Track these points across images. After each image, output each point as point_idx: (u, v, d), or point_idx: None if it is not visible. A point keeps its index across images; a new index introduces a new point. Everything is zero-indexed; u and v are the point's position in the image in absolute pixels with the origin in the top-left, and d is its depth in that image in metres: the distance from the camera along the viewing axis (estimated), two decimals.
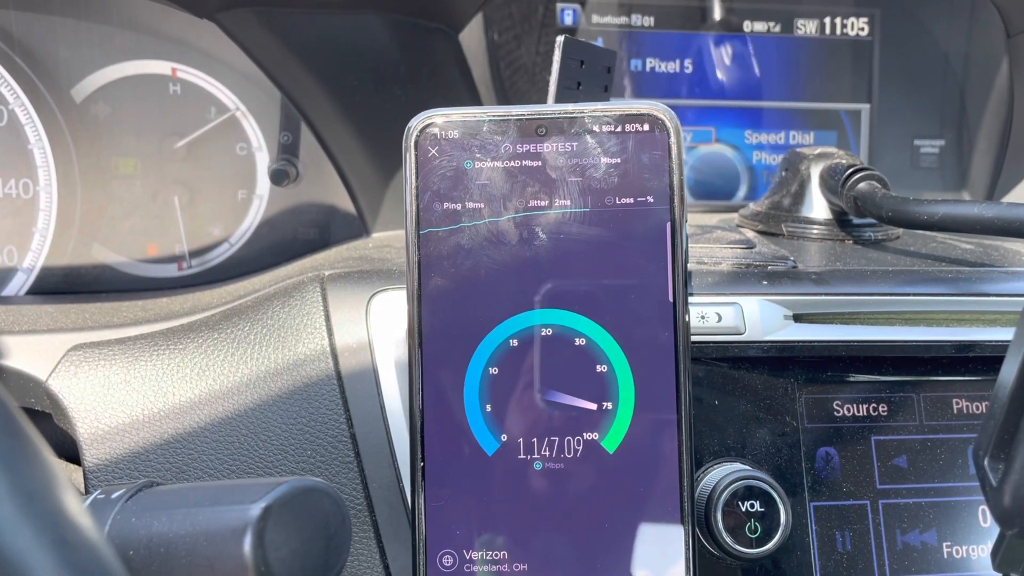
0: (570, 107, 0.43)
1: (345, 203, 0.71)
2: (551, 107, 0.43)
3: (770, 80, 0.84)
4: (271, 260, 0.71)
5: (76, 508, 0.18)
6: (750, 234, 0.64)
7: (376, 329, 0.48)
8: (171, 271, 0.72)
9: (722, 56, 0.84)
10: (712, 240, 0.59)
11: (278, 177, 0.68)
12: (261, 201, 0.72)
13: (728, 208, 0.81)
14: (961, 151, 0.87)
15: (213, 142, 0.71)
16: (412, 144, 0.42)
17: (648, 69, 0.82)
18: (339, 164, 0.67)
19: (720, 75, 0.84)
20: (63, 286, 0.69)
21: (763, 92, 0.84)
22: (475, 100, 0.73)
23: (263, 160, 0.72)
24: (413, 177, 0.42)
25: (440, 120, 0.43)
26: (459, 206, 0.43)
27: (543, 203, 0.42)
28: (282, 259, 0.71)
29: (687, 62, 0.83)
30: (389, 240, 0.66)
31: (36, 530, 0.16)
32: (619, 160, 0.42)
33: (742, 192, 0.83)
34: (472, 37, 0.74)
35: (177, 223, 0.71)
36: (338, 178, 0.70)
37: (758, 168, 0.84)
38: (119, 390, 0.48)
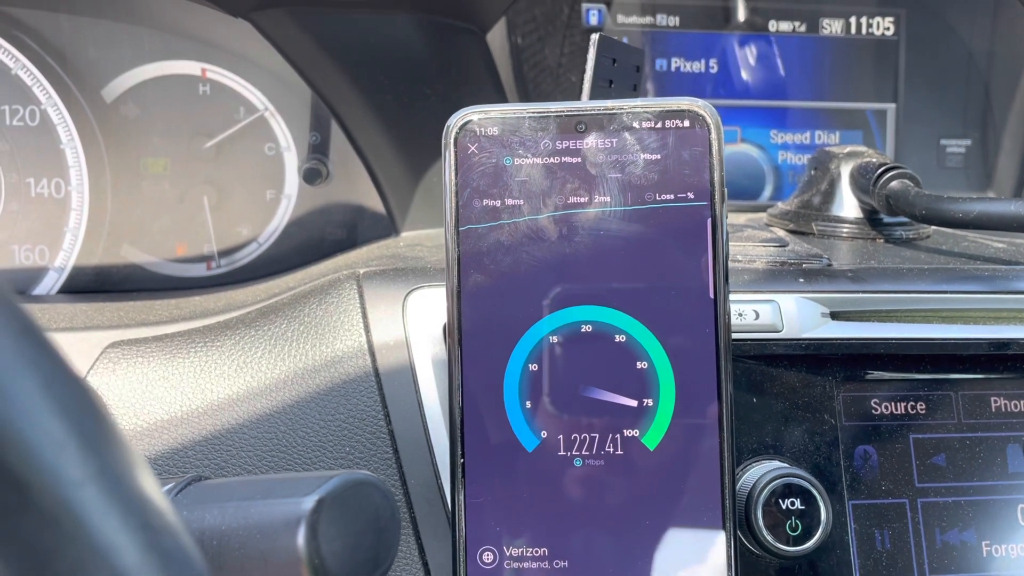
0: (610, 103, 0.43)
1: (373, 203, 0.71)
2: (591, 103, 0.43)
3: (795, 80, 0.84)
4: (300, 260, 0.72)
5: (157, 492, 0.18)
6: (781, 233, 0.63)
7: (413, 326, 0.48)
8: (200, 271, 0.72)
9: (747, 56, 0.84)
10: (744, 239, 0.59)
11: (311, 176, 0.68)
12: (290, 201, 0.72)
13: (754, 208, 0.81)
14: (987, 151, 0.86)
15: (242, 142, 0.72)
16: (452, 141, 0.43)
17: (673, 69, 0.82)
18: (369, 163, 0.67)
19: (745, 75, 0.84)
20: (94, 285, 0.70)
21: (788, 92, 0.84)
22: (501, 101, 0.73)
23: (292, 160, 0.72)
24: (453, 174, 0.42)
25: (479, 117, 0.43)
26: (499, 203, 0.43)
27: (583, 200, 0.42)
28: (311, 259, 0.71)
29: (712, 62, 0.83)
30: (419, 239, 0.67)
31: (124, 513, 0.17)
32: (659, 156, 0.42)
33: (768, 192, 0.83)
34: (497, 38, 0.74)
35: (206, 223, 0.72)
36: (367, 177, 0.70)
37: (783, 168, 0.84)
38: (158, 387, 0.48)
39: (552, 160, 0.43)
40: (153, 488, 0.18)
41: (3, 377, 0.16)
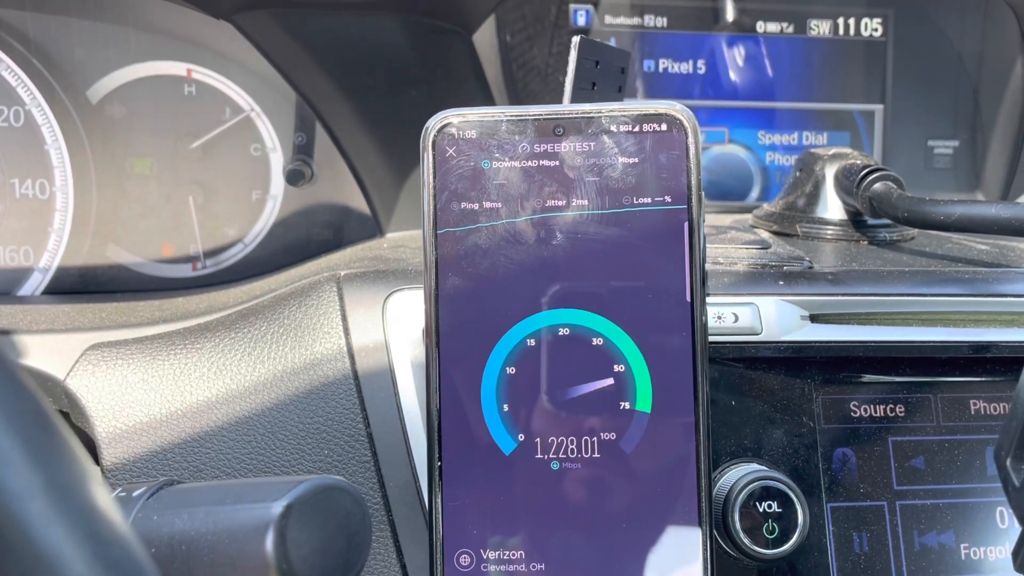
0: (587, 107, 0.43)
1: (359, 204, 0.71)
2: (568, 107, 0.43)
3: (783, 81, 0.84)
4: (285, 260, 0.72)
5: (107, 503, 0.18)
6: (764, 235, 0.64)
7: (393, 329, 0.48)
8: (186, 271, 0.72)
9: (735, 57, 0.84)
10: (727, 240, 0.59)
11: (294, 177, 0.68)
12: (275, 202, 0.72)
13: (741, 209, 0.81)
14: (975, 152, 0.86)
15: (228, 143, 0.71)
16: (430, 144, 0.43)
17: (661, 70, 0.82)
18: (353, 164, 0.67)
19: (733, 76, 0.84)
20: (79, 286, 0.70)
21: (776, 93, 0.84)
22: (488, 101, 0.73)
23: (277, 161, 0.72)
24: (431, 177, 0.42)
25: (458, 120, 0.43)
26: (476, 206, 0.43)
27: (561, 203, 0.42)
28: (296, 259, 0.71)
29: (700, 63, 0.83)
30: (403, 240, 0.67)
31: (70, 525, 0.16)
32: (637, 160, 0.42)
33: (755, 193, 0.83)
34: (484, 39, 0.74)
35: (192, 223, 0.72)
36: (352, 179, 0.70)
37: (771, 169, 0.84)
38: (137, 389, 0.48)
39: (530, 163, 0.43)
40: (102, 498, 0.18)
41: None
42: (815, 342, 0.48)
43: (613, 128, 0.42)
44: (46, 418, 0.18)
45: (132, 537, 0.18)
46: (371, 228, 0.72)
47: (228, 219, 0.72)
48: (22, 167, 0.68)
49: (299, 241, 0.73)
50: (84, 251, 0.70)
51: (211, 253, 0.72)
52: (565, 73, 0.69)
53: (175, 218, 0.71)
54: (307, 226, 0.73)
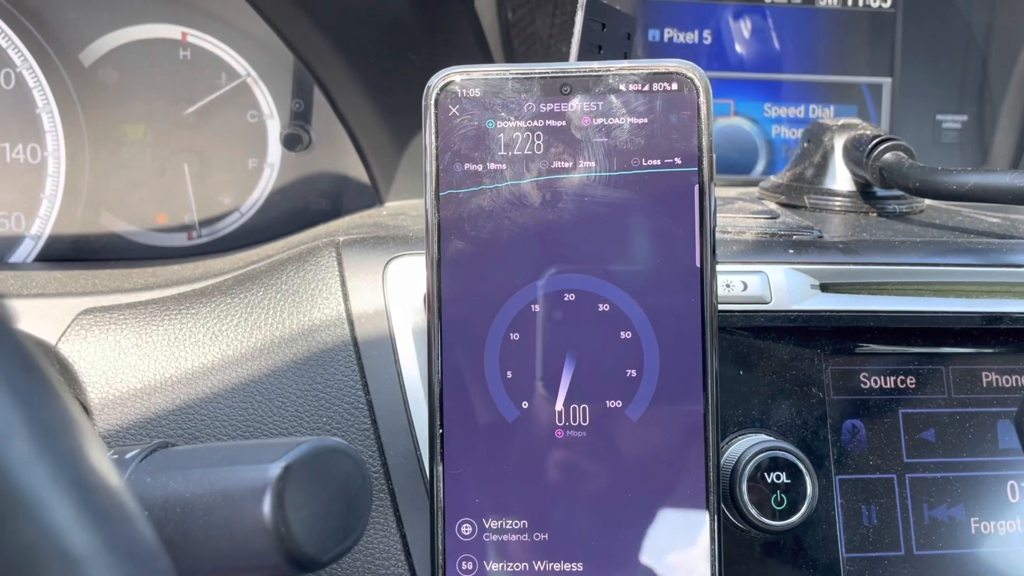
0: (596, 65, 0.41)
1: (357, 172, 0.70)
2: (576, 64, 0.41)
3: (790, 53, 0.83)
4: (282, 230, 0.70)
5: (97, 451, 0.17)
6: (772, 206, 0.62)
7: (393, 295, 0.47)
8: (180, 240, 0.71)
9: (741, 28, 0.82)
10: (734, 210, 0.57)
11: (291, 142, 0.67)
12: (272, 170, 0.71)
13: (747, 182, 0.80)
14: (983, 127, 0.85)
15: (223, 109, 0.70)
16: (432, 102, 0.41)
17: (666, 39, 0.81)
18: (353, 131, 0.66)
19: (739, 47, 0.82)
20: (71, 254, 0.68)
21: (783, 65, 0.83)
22: None
23: (274, 128, 0.70)
24: (433, 137, 0.41)
25: (461, 78, 0.41)
26: (480, 167, 0.41)
27: (567, 165, 0.41)
28: (294, 229, 0.69)
29: (706, 33, 0.81)
30: (403, 209, 0.65)
31: (54, 468, 0.15)
32: (646, 120, 0.41)
33: (761, 166, 0.82)
34: (486, 8, 0.72)
35: (187, 191, 0.70)
36: (351, 147, 0.68)
37: (777, 142, 0.82)
38: (130, 355, 0.47)
39: (536, 123, 0.41)
40: (92, 445, 0.17)
41: None
42: (825, 311, 0.47)
43: (622, 87, 0.41)
44: (30, 357, 0.17)
45: (123, 486, 0.17)
46: (369, 197, 0.70)
47: (224, 187, 0.71)
48: (13, 131, 0.66)
49: (296, 210, 0.71)
50: (77, 218, 0.68)
51: (206, 222, 0.71)
52: (568, 44, 0.68)
53: (169, 186, 0.70)
54: (305, 195, 0.71)
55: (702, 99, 0.40)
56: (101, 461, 0.17)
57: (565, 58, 0.56)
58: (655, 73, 0.41)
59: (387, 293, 0.47)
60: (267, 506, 0.29)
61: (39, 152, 0.67)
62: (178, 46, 0.69)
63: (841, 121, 0.65)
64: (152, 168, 0.70)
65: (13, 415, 0.15)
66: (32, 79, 0.66)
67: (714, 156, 0.41)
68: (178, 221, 0.70)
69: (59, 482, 0.15)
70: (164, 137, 0.69)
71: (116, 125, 0.69)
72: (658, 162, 0.41)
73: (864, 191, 0.62)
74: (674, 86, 0.41)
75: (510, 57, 0.75)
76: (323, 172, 0.71)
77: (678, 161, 0.41)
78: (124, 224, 0.70)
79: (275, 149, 0.71)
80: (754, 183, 0.75)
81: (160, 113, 0.69)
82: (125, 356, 0.47)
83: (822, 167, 0.64)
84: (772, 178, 0.68)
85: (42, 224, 0.67)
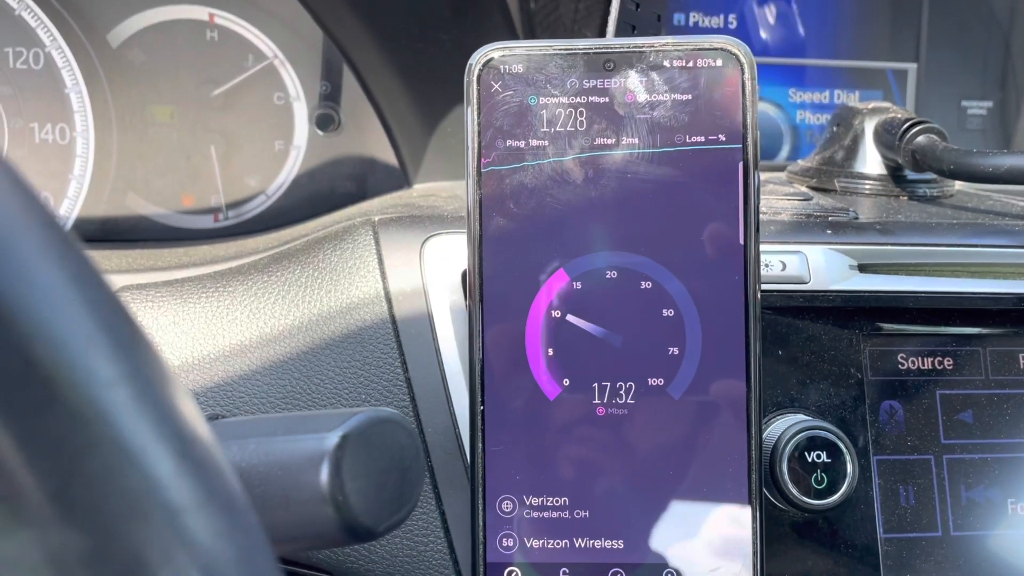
0: (640, 40, 0.41)
1: (384, 155, 0.70)
2: (620, 40, 0.41)
3: (815, 38, 0.82)
4: (309, 212, 0.70)
5: (191, 405, 0.17)
6: (803, 189, 0.62)
7: (430, 273, 0.47)
8: (207, 222, 0.71)
9: (766, 13, 0.82)
10: (767, 192, 0.57)
11: (323, 122, 0.67)
12: (299, 152, 0.71)
13: (772, 167, 0.79)
14: (1007, 113, 0.85)
15: (251, 91, 0.70)
16: (475, 78, 0.41)
17: (692, 23, 0.80)
18: (383, 112, 0.65)
19: (764, 33, 0.82)
20: (99, 235, 0.68)
21: (807, 50, 0.82)
22: None
23: (301, 110, 0.70)
24: (475, 113, 0.41)
25: (503, 54, 0.41)
26: (522, 143, 0.41)
27: (610, 141, 0.41)
28: (320, 211, 0.69)
29: (731, 18, 0.81)
30: (433, 190, 0.65)
31: (158, 419, 0.15)
32: (690, 97, 0.41)
33: (785, 152, 0.82)
34: None
35: (214, 173, 0.70)
36: (378, 129, 0.68)
37: (802, 127, 0.82)
38: (168, 332, 0.47)
39: (579, 99, 0.41)
40: (183, 396, 0.17)
41: (33, 270, 0.15)
42: (863, 292, 0.47)
43: (666, 63, 0.41)
44: (125, 311, 0.17)
45: (214, 439, 0.17)
46: (396, 180, 0.70)
47: (250, 169, 0.71)
48: (42, 111, 0.66)
49: (323, 192, 0.71)
50: (104, 199, 0.68)
51: (233, 204, 0.71)
52: (592, 31, 0.68)
53: (196, 168, 0.70)
54: (331, 177, 0.71)
55: (747, 75, 0.40)
56: (196, 415, 0.17)
57: None
58: (699, 49, 0.41)
59: (424, 271, 0.47)
60: (325, 475, 0.29)
61: (68, 132, 0.67)
62: (205, 27, 0.69)
63: (871, 104, 0.65)
64: (179, 150, 0.70)
65: (118, 366, 0.15)
66: (61, 59, 0.66)
67: (759, 134, 0.41)
68: (204, 203, 0.70)
69: (163, 433, 0.15)
70: (191, 119, 0.69)
71: (143, 106, 0.69)
72: (702, 139, 0.41)
73: (895, 174, 0.62)
74: (719, 63, 0.41)
75: None
76: (350, 154, 0.71)
77: (722, 138, 0.41)
78: (151, 206, 0.70)
79: (302, 131, 0.70)
80: (779, 168, 0.74)
81: (187, 95, 0.69)
82: (163, 333, 0.47)
83: (852, 150, 0.63)
84: (801, 162, 0.68)
85: (70, 205, 0.67)
